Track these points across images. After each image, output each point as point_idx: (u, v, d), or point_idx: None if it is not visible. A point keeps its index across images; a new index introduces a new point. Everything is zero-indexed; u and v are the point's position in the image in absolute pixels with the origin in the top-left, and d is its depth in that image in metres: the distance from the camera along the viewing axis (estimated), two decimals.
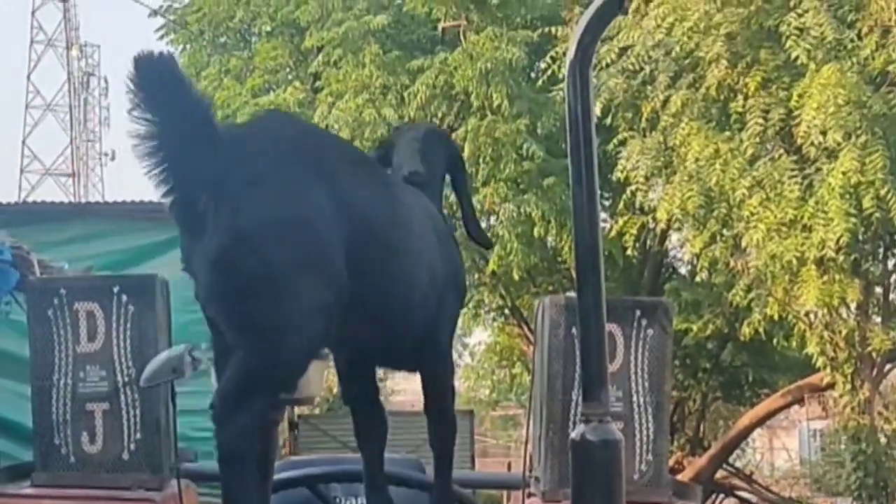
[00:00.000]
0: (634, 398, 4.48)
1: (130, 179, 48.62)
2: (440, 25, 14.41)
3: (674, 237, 16.29)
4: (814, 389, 16.44)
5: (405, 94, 14.18)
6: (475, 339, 26.58)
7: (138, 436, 4.29)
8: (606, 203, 13.99)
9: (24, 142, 50.52)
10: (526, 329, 18.88)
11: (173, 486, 4.34)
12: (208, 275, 3.36)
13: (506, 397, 29.78)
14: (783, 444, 31.28)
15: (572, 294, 3.85)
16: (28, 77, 50.81)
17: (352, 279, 3.42)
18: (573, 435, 3.03)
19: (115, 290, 4.34)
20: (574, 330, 4.53)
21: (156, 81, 3.20)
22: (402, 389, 28.36)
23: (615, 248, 13.35)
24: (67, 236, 12.40)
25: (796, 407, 18.94)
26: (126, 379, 4.30)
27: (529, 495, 4.65)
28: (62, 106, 50.47)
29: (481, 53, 13.34)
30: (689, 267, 15.79)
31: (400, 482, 3.99)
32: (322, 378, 3.77)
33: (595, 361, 3.03)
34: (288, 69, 16.17)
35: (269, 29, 16.12)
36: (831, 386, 16.68)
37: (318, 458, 5.68)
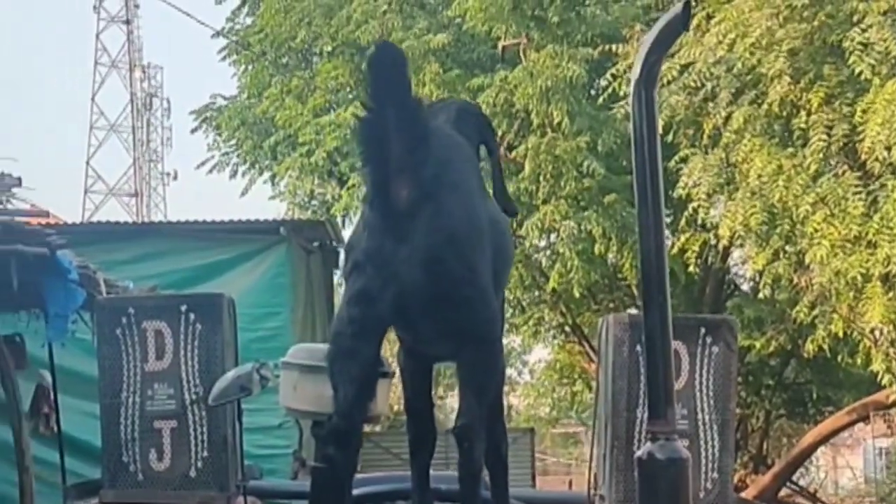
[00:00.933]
0: (700, 416, 4.48)
1: (192, 199, 48.97)
2: (500, 44, 14.38)
3: (735, 254, 16.16)
4: (879, 407, 16.23)
5: None
6: (535, 356, 26.52)
7: (205, 453, 4.35)
8: (668, 220, 13.91)
9: (88, 162, 51.07)
10: (587, 346, 18.80)
11: None
12: (417, 275, 3.36)
13: (566, 415, 29.63)
14: (847, 463, 30.88)
15: (636, 312, 3.85)
16: (92, 98, 51.41)
17: None
18: (640, 453, 3.03)
19: (183, 308, 4.40)
20: (638, 347, 4.54)
21: (388, 67, 3.38)
22: None
23: (677, 265, 13.27)
24: (132, 255, 12.56)
25: (861, 425, 18.72)
26: (193, 397, 4.36)
27: None
28: (125, 127, 51.01)
29: (541, 71, 13.30)
30: (752, 284, 15.66)
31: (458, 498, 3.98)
32: (387, 396, 3.78)
33: (661, 379, 3.03)
34: (349, 88, 16.21)
35: (329, 49, 16.16)
36: None
37: (388, 476, 5.68)
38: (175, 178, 50.40)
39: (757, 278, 12.19)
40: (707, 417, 4.44)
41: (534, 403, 27.68)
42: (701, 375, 4.45)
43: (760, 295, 11.68)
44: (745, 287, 17.48)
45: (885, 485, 25.08)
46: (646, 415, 4.56)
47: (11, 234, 7.66)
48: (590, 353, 18.49)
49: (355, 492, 4.46)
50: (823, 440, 17.71)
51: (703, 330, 4.43)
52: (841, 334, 11.35)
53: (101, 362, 4.38)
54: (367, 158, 3.39)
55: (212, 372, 4.30)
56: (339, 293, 21.98)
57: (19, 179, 7.19)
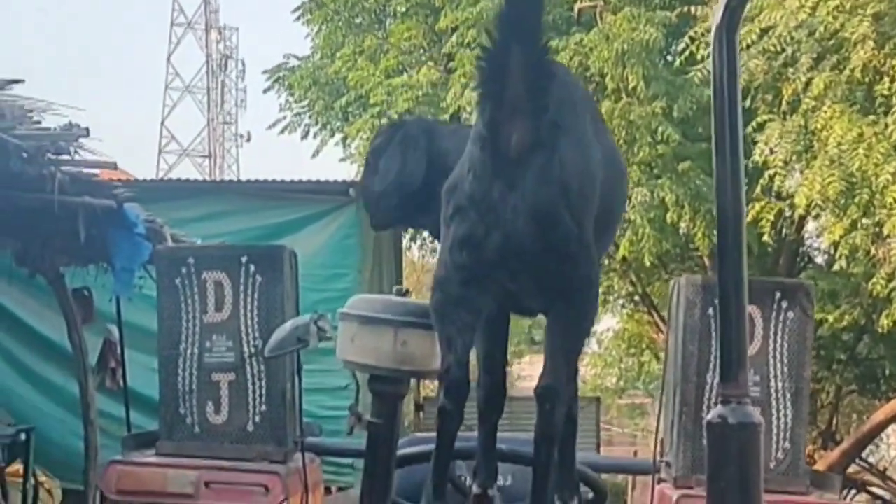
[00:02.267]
0: (772, 383, 4.33)
1: (265, 160, 49.13)
2: (576, 6, 14.19)
3: (811, 225, 15.88)
4: None
5: None
6: (603, 325, 26.32)
7: (263, 408, 4.26)
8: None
9: (163, 123, 51.52)
10: (656, 316, 18.60)
11: (298, 460, 4.30)
12: (524, 225, 3.22)
13: (633, 385, 29.43)
14: None
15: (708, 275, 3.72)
16: (168, 59, 51.80)
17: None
18: (710, 416, 2.89)
19: (244, 260, 4.31)
20: (710, 310, 4.39)
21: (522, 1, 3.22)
22: (528, 375, 28.25)
23: (751, 235, 13.04)
24: (201, 213, 12.59)
25: None
26: (252, 350, 4.27)
27: (660, 481, 4.52)
28: (200, 88, 51.34)
29: (618, 34, 13.09)
30: (826, 256, 15.37)
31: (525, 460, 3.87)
32: None
33: (734, 340, 2.89)
34: (422, 50, 16.10)
35: (403, 10, 16.06)
36: None
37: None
38: (248, 139, 50.74)
39: (832, 250, 11.94)
40: (780, 385, 4.27)
41: (600, 373, 27.49)
42: (775, 341, 4.28)
43: (836, 267, 11.42)
44: (819, 259, 17.19)
45: None
46: (716, 380, 4.44)
47: (78, 185, 7.67)
48: (658, 324, 18.29)
49: (414, 449, 4.38)
50: (895, 417, 17.42)
51: (778, 294, 4.26)
52: None
53: (161, 313, 4.31)
54: (484, 95, 3.21)
55: (271, 325, 4.21)
56: (407, 256, 21.97)
57: (87, 130, 7.15)
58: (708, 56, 11.44)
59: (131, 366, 9.13)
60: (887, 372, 18.27)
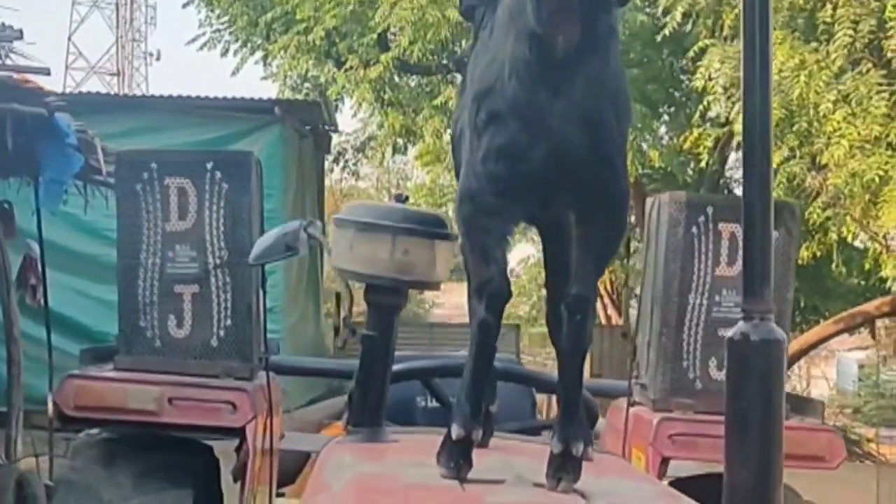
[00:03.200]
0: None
1: (176, 80, 48.30)
2: None
3: (732, 155, 15.91)
4: (867, 318, 16.12)
5: None
6: (520, 253, 26.32)
7: (228, 322, 4.07)
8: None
9: (69, 38, 50.30)
10: None
11: (262, 378, 4.12)
12: (575, 134, 2.97)
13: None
14: (823, 373, 31.01)
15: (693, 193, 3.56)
16: None
17: None
18: (731, 333, 2.74)
19: (209, 166, 4.09)
20: (695, 229, 4.26)
21: None
22: (443, 302, 28.23)
23: (680, 163, 13.03)
24: (122, 129, 12.21)
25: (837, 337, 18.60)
26: (217, 261, 4.06)
27: (634, 404, 4.40)
28: (109, 3, 50.16)
29: None
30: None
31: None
32: (447, 263, 3.49)
33: (759, 254, 2.74)
34: None
35: None
36: (888, 314, 16.29)
37: (433, 355, 5.43)
38: (158, 58, 49.76)
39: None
40: None
41: (514, 301, 27.51)
42: None
43: (775, 194, 11.39)
44: (738, 191, 17.19)
45: (858, 396, 25.17)
46: (698, 301, 4.32)
47: (7, 91, 7.33)
48: None
49: (404, 366, 4.20)
50: (808, 349, 17.65)
51: None
52: (849, 239, 11.13)
53: (120, 220, 4.07)
54: None
55: (237, 235, 4.01)
56: (330, 177, 21.66)
57: (20, 32, 6.80)
58: None
59: (53, 287, 8.84)
60: (802, 304, 18.45)
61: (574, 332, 3.07)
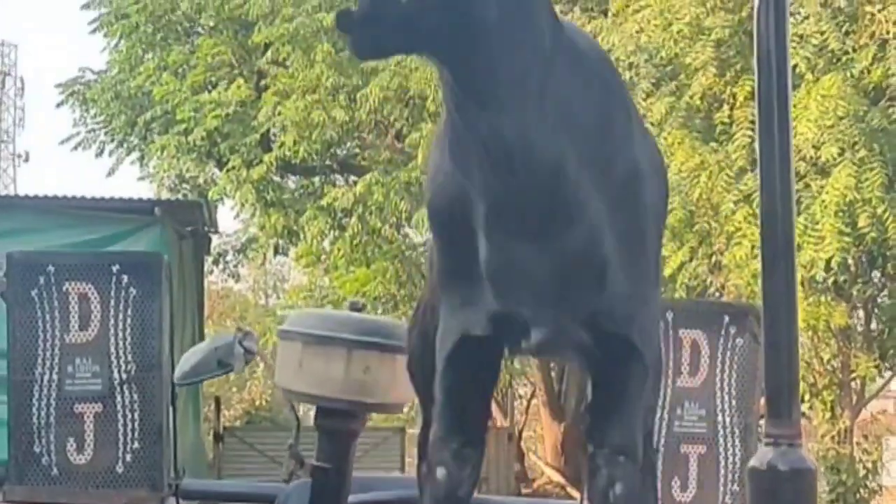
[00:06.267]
0: (720, 419, 3.87)
1: (46, 182, 47.18)
2: None
3: None
4: None
5: (357, 96, 13.52)
6: None
7: (136, 444, 3.62)
8: None
9: None
10: None
11: None
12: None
13: None
14: None
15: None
16: None
17: None
18: (755, 462, 2.37)
19: (115, 269, 3.66)
20: None
21: None
22: None
23: None
24: None
25: None
26: (124, 376, 3.61)
27: None
28: None
29: None
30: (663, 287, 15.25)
31: None
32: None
33: (785, 368, 2.38)
34: (230, 66, 15.40)
35: (212, 24, 15.34)
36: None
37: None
38: (27, 159, 48.62)
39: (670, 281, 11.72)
40: (728, 421, 3.84)
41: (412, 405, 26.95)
42: (723, 371, 3.86)
43: (676, 295, 11.20)
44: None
45: None
46: (658, 414, 3.96)
47: None
48: None
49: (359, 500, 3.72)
50: None
51: (726, 318, 3.85)
52: None
53: (12, 330, 3.61)
54: None
55: (147, 347, 3.58)
56: (210, 279, 21.11)
57: None
58: None
59: None
60: None
61: None
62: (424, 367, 2.73)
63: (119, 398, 3.63)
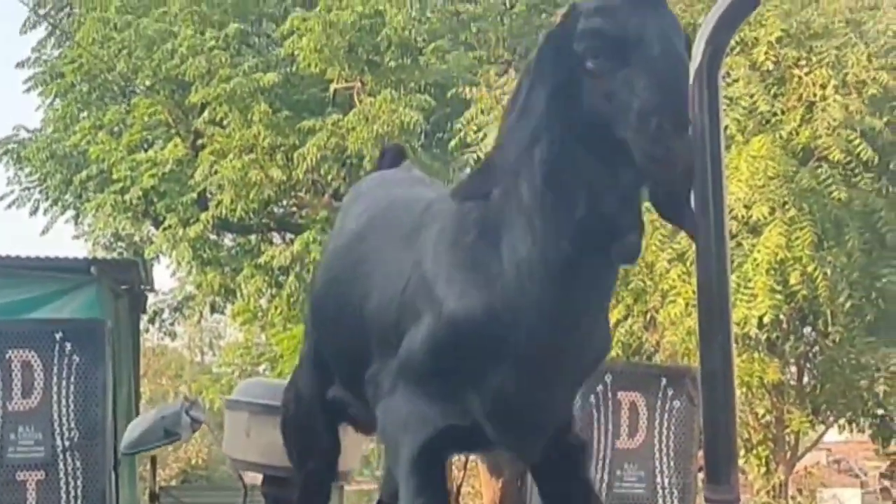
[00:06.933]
0: (658, 479, 3.94)
1: None
2: (332, 87, 13.86)
3: None
4: None
5: (294, 155, 13.58)
6: None
7: None
8: None
9: None
10: None
11: None
12: None
13: (360, 472, 28.87)
14: None
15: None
16: None
17: None
18: None
19: (58, 336, 3.66)
20: (592, 398, 3.99)
21: None
22: None
23: None
24: None
25: None
26: (67, 444, 3.61)
27: None
28: None
29: (377, 116, 12.85)
30: None
31: None
32: (359, 448, 3.10)
33: (723, 431, 2.44)
34: (167, 126, 15.40)
35: (149, 83, 15.34)
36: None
37: None
38: None
39: None
40: (667, 481, 3.91)
41: None
42: (661, 433, 3.92)
43: (612, 354, 11.30)
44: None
45: None
46: (598, 476, 4.01)
47: None
48: None
49: None
50: None
51: (663, 381, 3.92)
52: None
53: None
54: None
55: (90, 414, 3.58)
56: (145, 337, 20.96)
57: None
58: (481, 139, 11.20)
59: None
60: None
61: None
62: (299, 428, 2.80)
63: (62, 465, 3.62)
